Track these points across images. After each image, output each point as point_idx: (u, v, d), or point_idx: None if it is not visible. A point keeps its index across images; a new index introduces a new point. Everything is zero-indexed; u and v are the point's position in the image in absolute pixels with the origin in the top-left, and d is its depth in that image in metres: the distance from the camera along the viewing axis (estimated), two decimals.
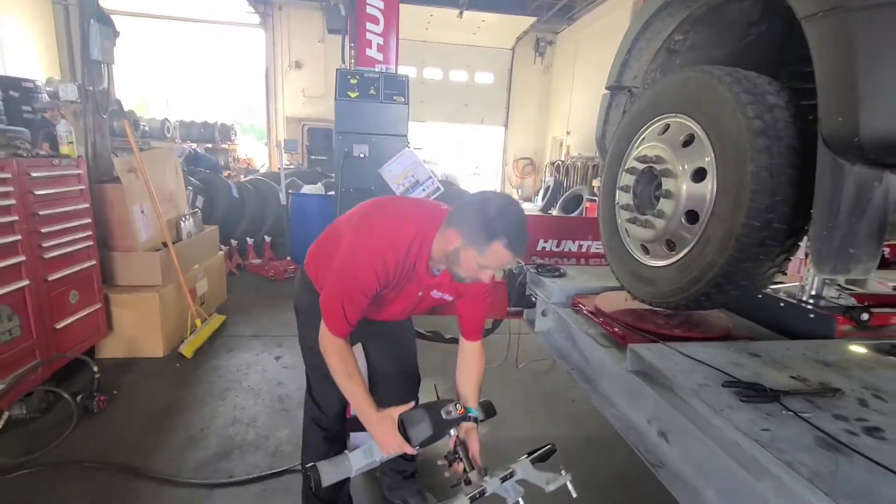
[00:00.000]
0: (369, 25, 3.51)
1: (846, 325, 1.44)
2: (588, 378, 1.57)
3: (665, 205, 1.35)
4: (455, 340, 2.49)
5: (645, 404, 1.25)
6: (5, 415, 2.08)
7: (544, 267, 2.03)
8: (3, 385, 2.02)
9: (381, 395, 1.68)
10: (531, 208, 12.09)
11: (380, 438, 1.29)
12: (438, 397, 1.50)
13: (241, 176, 7.84)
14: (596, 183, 8.38)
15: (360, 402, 1.29)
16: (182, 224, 3.35)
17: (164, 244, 3.02)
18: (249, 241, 5.13)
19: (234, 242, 4.96)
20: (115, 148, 3.23)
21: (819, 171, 0.98)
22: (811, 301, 1.52)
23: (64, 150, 2.47)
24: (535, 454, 1.46)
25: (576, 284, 1.88)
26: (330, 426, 1.52)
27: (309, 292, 1.44)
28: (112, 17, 3.00)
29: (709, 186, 1.22)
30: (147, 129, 7.59)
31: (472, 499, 1.25)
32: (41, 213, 2.25)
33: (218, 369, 2.78)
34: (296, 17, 12.63)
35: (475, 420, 1.40)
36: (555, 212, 9.83)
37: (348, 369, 1.29)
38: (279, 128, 13.36)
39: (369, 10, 3.48)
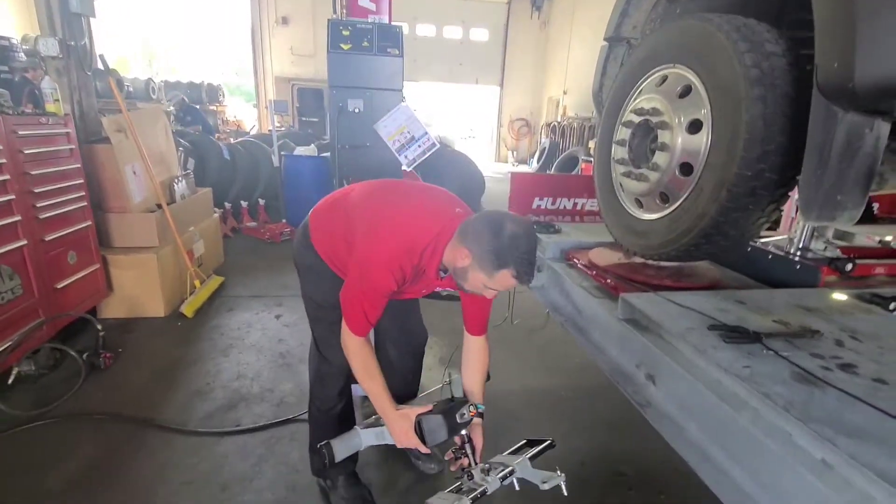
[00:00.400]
0: None
1: (831, 276, 1.49)
2: (580, 329, 1.63)
3: (660, 157, 1.36)
4: (453, 298, 2.55)
5: (634, 350, 1.31)
6: (14, 370, 2.14)
7: (539, 224, 2.06)
8: (10, 342, 2.07)
9: (390, 356, 1.73)
10: (526, 171, 12.00)
11: (396, 435, 1.36)
12: (452, 394, 1.57)
13: (232, 138, 7.68)
14: (592, 144, 8.29)
15: (380, 399, 1.35)
16: (175, 186, 3.32)
17: (159, 206, 3.00)
18: (243, 204, 5.09)
19: (227, 205, 4.92)
20: (100, 109, 3.13)
21: (812, 117, 0.99)
22: (798, 253, 1.57)
23: (50, 107, 2.41)
24: (535, 453, 1.53)
25: (570, 240, 1.91)
26: (337, 378, 1.56)
27: (311, 254, 1.45)
28: None
29: (703, 138, 1.23)
30: (131, 89, 7.33)
31: (474, 500, 1.31)
32: (33, 172, 2.22)
33: (219, 328, 2.83)
34: None
35: (481, 415, 1.46)
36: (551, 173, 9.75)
37: (369, 368, 1.34)
38: (268, 88, 12.96)
39: None
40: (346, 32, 2.56)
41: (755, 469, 0.88)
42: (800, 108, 1.04)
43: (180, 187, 3.39)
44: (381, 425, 1.46)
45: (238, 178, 5.31)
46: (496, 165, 13.51)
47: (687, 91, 1.29)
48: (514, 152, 14.14)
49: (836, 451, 0.72)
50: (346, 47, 2.13)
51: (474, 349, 1.53)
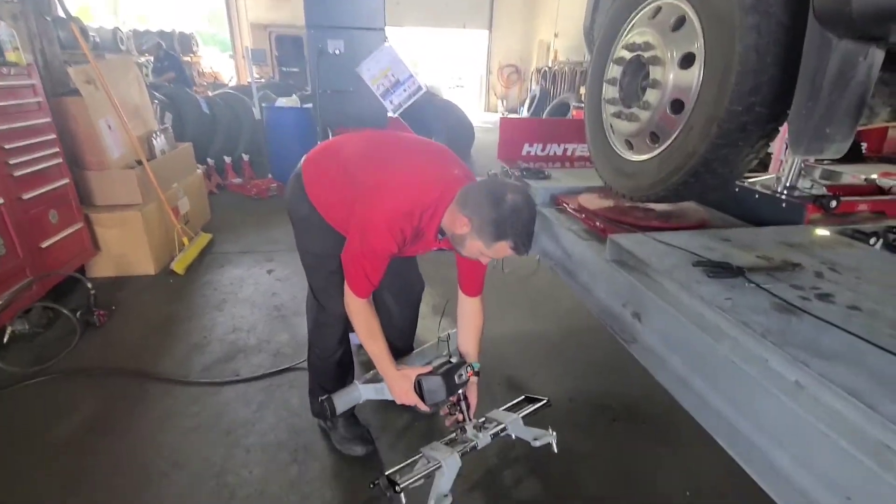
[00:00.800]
0: None
1: (815, 214, 1.51)
2: (569, 272, 1.66)
3: (651, 95, 1.33)
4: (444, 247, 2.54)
5: (620, 290, 1.34)
6: (8, 329, 2.14)
7: (529, 170, 2.04)
8: (1, 301, 2.06)
9: (388, 306, 1.76)
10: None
11: (397, 393, 1.43)
12: (449, 352, 1.62)
13: (209, 91, 7.34)
14: (584, 90, 8.06)
15: (381, 360, 1.40)
16: (154, 141, 3.20)
17: (139, 162, 2.91)
18: (227, 159, 4.95)
19: (210, 162, 4.78)
20: (64, 61, 2.95)
21: (806, 45, 0.96)
22: (784, 192, 1.58)
23: (10, 56, 2.26)
24: (530, 411, 1.61)
25: (560, 185, 1.90)
26: (335, 326, 1.59)
27: (306, 205, 1.43)
28: None
29: (696, 72, 1.20)
30: (97, 39, 6.89)
31: (463, 453, 1.40)
32: (0, 127, 2.12)
33: (212, 284, 2.84)
34: None
35: (476, 374, 1.52)
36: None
37: (372, 329, 1.38)
38: (243, 36, 12.26)
39: None
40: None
41: (732, 394, 0.93)
42: (794, 37, 1.01)
43: (159, 142, 3.28)
44: (381, 381, 1.53)
45: (219, 132, 5.13)
46: (485, 115, 13.17)
47: (680, 23, 1.24)
48: (504, 101, 13.75)
49: (809, 372, 0.75)
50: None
51: (470, 310, 1.57)
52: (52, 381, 1.97)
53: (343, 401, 1.54)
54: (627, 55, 1.43)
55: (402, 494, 1.28)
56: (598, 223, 1.51)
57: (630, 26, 1.46)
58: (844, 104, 0.98)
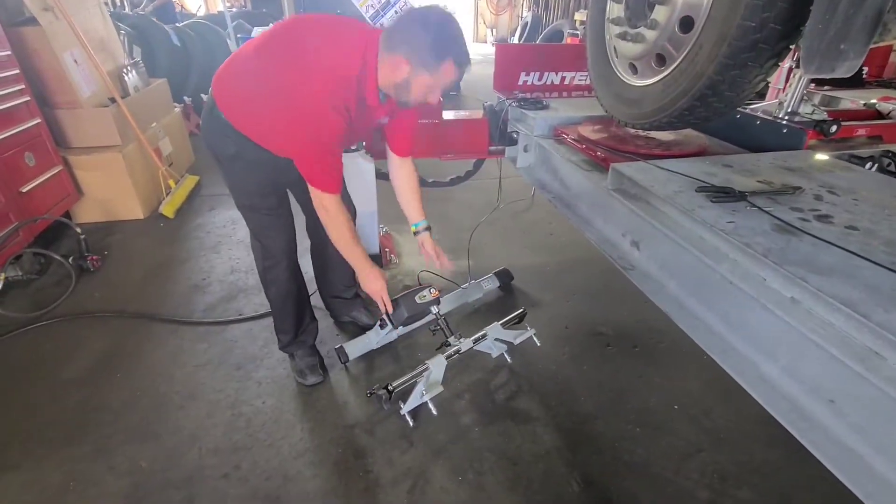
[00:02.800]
0: None
1: (815, 139, 1.51)
2: (568, 204, 1.66)
3: (659, 12, 1.26)
4: (452, 182, 2.52)
5: (620, 220, 1.36)
6: (1, 276, 2.12)
7: (527, 101, 1.97)
8: None
9: (328, 251, 1.76)
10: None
11: (370, 288, 1.46)
12: (419, 282, 1.70)
13: (177, 21, 6.79)
14: (578, 16, 7.64)
15: (359, 259, 1.42)
16: (126, 77, 3.00)
17: (112, 100, 2.75)
18: (204, 97, 4.69)
19: (187, 100, 4.53)
20: None
21: None
22: (786, 118, 1.56)
23: None
24: (508, 319, 1.76)
25: (559, 115, 1.85)
26: (281, 261, 1.59)
27: (231, 138, 1.35)
28: None
29: None
30: None
31: (448, 356, 1.55)
32: None
33: (204, 226, 2.80)
34: None
35: (427, 228, 1.64)
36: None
37: (352, 230, 1.38)
38: None
39: None
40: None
41: (728, 313, 0.98)
42: None
43: (132, 78, 3.08)
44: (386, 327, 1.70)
45: (193, 66, 4.81)
46: (475, 47, 12.49)
47: None
48: (494, 30, 12.99)
49: (806, 287, 0.79)
50: None
51: (406, 172, 1.60)
52: (55, 324, 1.99)
53: (356, 348, 1.69)
54: None
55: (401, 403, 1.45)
56: (598, 153, 1.49)
57: None
58: (861, 19, 0.95)
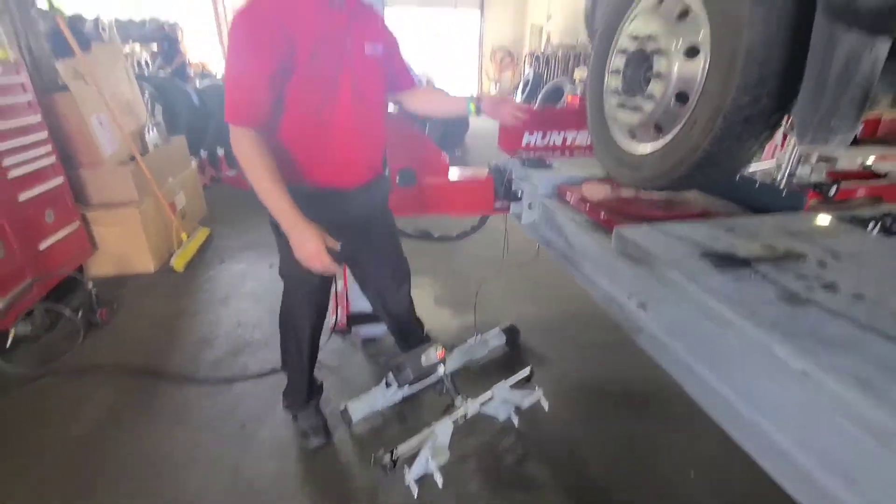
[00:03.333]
0: None
1: (815, 200, 1.54)
2: (573, 263, 1.68)
3: (655, 86, 1.33)
4: (458, 237, 2.56)
5: (625, 281, 1.37)
6: (12, 332, 2.14)
7: (530, 160, 2.04)
8: (2, 304, 2.05)
9: (381, 297, 1.76)
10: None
11: (302, 248, 1.18)
12: (429, 337, 1.71)
13: (198, 81, 7.19)
14: (578, 74, 8.01)
15: (282, 212, 1.15)
16: (146, 135, 3.16)
17: (132, 158, 2.87)
18: (220, 152, 4.89)
19: (203, 154, 4.73)
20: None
21: (814, 38, 0.97)
22: (785, 179, 1.60)
23: None
24: (515, 379, 1.74)
25: (562, 175, 1.91)
26: (305, 341, 1.61)
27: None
28: None
29: (701, 64, 1.20)
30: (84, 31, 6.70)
31: (455, 420, 1.51)
32: None
33: (214, 279, 2.84)
34: None
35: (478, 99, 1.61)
36: (536, 107, 9.49)
37: (271, 175, 1.14)
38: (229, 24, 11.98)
39: None
40: None
41: (737, 381, 0.96)
42: (801, 29, 1.02)
43: (152, 136, 3.24)
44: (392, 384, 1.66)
45: (211, 124, 5.05)
46: None
47: (685, 12, 1.24)
48: (497, 84, 13.63)
49: (816, 361, 0.78)
50: None
51: (418, 93, 1.56)
52: (61, 380, 1.99)
53: (360, 408, 1.65)
54: (630, 45, 1.42)
55: (406, 469, 1.39)
56: (602, 214, 1.52)
57: (633, 15, 1.45)
58: (850, 96, 1.00)
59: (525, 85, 10.69)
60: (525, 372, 1.81)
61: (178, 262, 2.89)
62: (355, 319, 2.24)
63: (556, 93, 7.92)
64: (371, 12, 1.34)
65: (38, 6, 2.83)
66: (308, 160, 1.29)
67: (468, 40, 14.03)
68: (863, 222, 1.49)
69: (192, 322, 2.40)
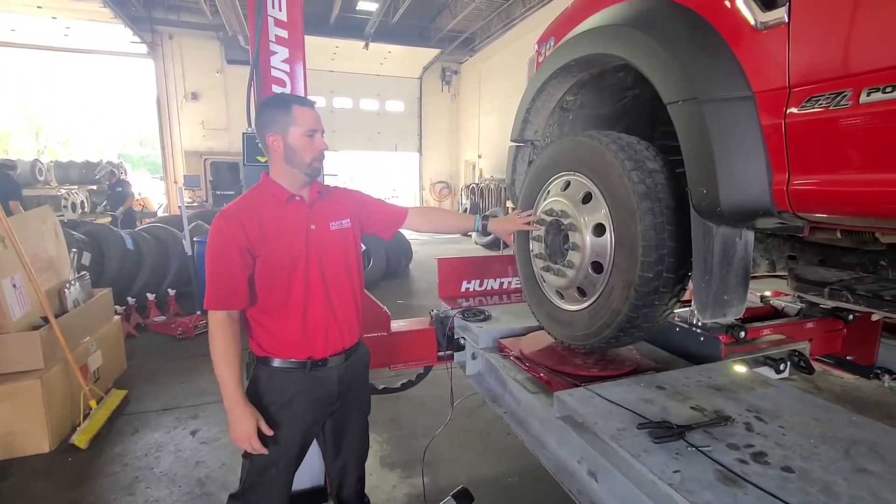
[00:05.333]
0: (273, 57, 3.38)
1: (729, 342, 1.66)
2: (520, 420, 1.64)
3: (573, 256, 1.47)
4: (403, 388, 2.46)
5: (574, 446, 1.34)
6: None
7: (470, 311, 2.09)
8: None
9: (340, 478, 1.63)
10: (447, 236, 12.35)
11: (236, 427, 1.31)
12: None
13: (138, 221, 7.12)
14: (510, 204, 8.82)
15: (229, 385, 1.30)
16: (66, 292, 2.95)
17: (45, 319, 2.64)
18: (150, 296, 4.63)
19: (131, 300, 4.45)
20: None
21: (693, 231, 1.14)
22: (699, 324, 1.74)
23: None
24: None
25: (501, 327, 1.96)
26: None
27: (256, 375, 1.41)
28: None
29: (608, 240, 1.36)
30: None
31: None
32: None
33: (122, 457, 2.45)
34: (189, 47, 11.95)
35: (485, 217, 1.81)
36: (473, 235, 10.14)
37: (228, 351, 1.30)
38: (177, 163, 12.39)
39: (273, 37, 3.34)
40: (260, 144, 2.53)
41: None
42: (684, 217, 1.20)
43: (73, 292, 3.03)
44: None
45: (144, 268, 4.87)
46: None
47: (588, 197, 1.43)
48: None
49: None
50: (263, 160, 2.07)
51: (429, 211, 1.84)
52: None
53: None
54: (548, 218, 1.59)
55: None
56: (541, 374, 1.54)
57: (546, 193, 1.65)
58: (734, 276, 1.15)
59: (464, 213, 11.55)
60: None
61: (81, 438, 2.50)
62: None
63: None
64: (334, 193, 1.53)
65: None
66: (281, 334, 1.39)
67: (409, 175, 15.33)
68: (775, 362, 1.62)
69: None
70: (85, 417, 2.65)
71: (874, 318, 1.84)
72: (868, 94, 0.77)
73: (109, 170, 7.17)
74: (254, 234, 1.29)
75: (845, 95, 0.80)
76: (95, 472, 2.33)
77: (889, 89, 0.75)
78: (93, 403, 2.73)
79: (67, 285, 3.00)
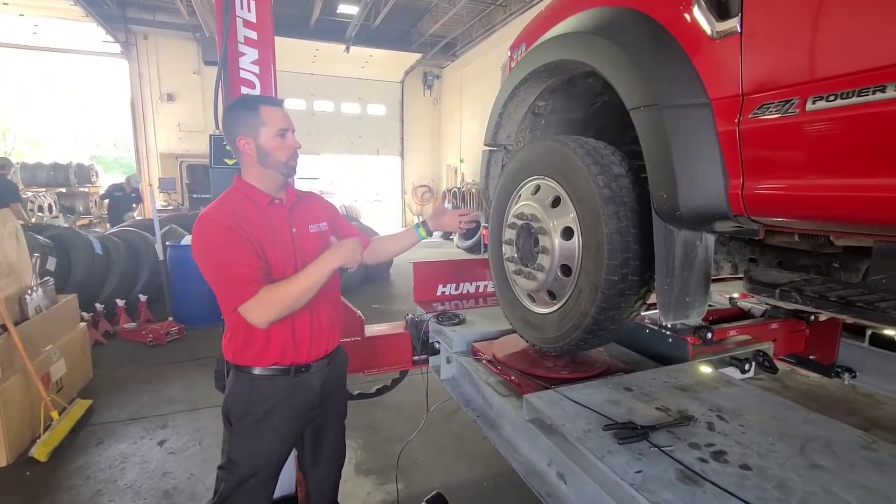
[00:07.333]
0: (242, 59, 3.29)
1: (697, 343, 1.69)
2: (492, 423, 1.64)
3: (543, 259, 1.48)
4: (379, 393, 2.42)
5: (543, 448, 1.34)
6: None
7: (444, 315, 2.09)
8: None
9: (319, 485, 1.60)
10: (430, 240, 12.36)
11: (341, 254, 1.31)
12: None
13: (108, 224, 6.92)
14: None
15: (308, 278, 1.27)
16: (27, 299, 2.84)
17: (3, 327, 2.53)
18: (120, 302, 4.48)
19: (99, 307, 4.31)
20: None
21: (655, 234, 1.16)
22: (668, 327, 1.77)
23: None
24: None
25: (475, 330, 1.96)
26: None
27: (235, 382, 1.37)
28: None
29: (576, 243, 1.37)
30: None
31: None
32: None
33: (85, 469, 2.36)
34: (166, 47, 11.69)
35: (423, 222, 1.79)
36: (455, 238, 10.16)
37: (283, 287, 1.25)
38: (151, 165, 12.09)
39: (242, 38, 3.26)
40: (229, 147, 2.48)
41: None
42: (648, 221, 1.22)
43: (35, 299, 2.91)
44: None
45: (113, 273, 4.72)
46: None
47: (557, 201, 1.44)
48: (419, 217, 14.59)
49: None
50: (230, 163, 2.02)
51: (376, 241, 1.71)
52: None
53: None
54: (519, 222, 1.61)
55: None
56: (512, 377, 1.55)
57: (517, 197, 1.67)
58: (695, 278, 1.17)
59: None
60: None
61: (41, 451, 2.39)
62: None
63: (474, 225, 8.59)
64: (309, 197, 1.52)
65: None
66: (268, 338, 1.35)
67: (391, 178, 15.28)
68: (741, 362, 1.66)
69: None
70: (46, 429, 2.54)
71: (822, 318, 1.90)
72: (813, 103, 0.80)
73: (112, 184, 7.64)
74: (253, 233, 1.26)
75: (793, 103, 0.83)
76: (55, 486, 2.23)
77: (832, 98, 0.77)
78: (54, 414, 2.62)
79: (29, 291, 2.89)
